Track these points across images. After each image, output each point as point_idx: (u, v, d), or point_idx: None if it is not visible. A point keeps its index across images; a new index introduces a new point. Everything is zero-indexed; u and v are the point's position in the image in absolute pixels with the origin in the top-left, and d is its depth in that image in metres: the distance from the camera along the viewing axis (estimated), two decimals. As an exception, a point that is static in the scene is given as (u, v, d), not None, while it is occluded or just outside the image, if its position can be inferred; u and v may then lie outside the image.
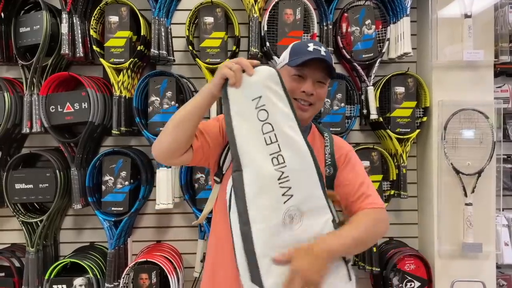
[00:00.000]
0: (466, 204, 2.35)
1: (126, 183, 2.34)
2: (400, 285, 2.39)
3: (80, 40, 2.35)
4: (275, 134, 1.23)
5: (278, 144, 1.23)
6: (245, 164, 1.22)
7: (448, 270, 2.39)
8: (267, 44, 2.36)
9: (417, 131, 2.48)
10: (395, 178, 2.49)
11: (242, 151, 1.23)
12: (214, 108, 2.40)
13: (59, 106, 2.33)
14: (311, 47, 1.35)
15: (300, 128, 1.27)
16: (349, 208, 1.39)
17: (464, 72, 2.43)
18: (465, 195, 2.36)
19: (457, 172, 2.36)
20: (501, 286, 2.60)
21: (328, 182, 1.39)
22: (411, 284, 2.39)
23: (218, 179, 1.42)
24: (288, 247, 1.20)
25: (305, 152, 1.26)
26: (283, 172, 1.22)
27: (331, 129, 2.39)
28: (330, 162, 1.41)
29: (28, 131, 2.35)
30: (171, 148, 1.26)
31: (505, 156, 2.62)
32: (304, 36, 2.44)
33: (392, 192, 2.51)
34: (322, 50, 1.35)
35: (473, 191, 2.36)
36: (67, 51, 2.31)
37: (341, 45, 2.49)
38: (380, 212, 1.36)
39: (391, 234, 2.66)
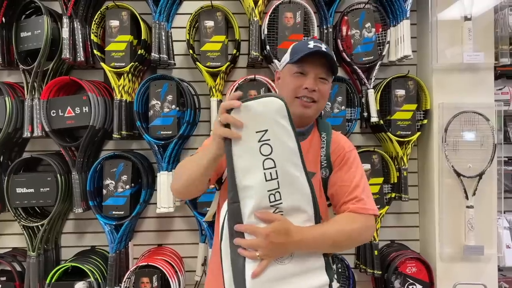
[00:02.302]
0: (467, 207, 2.35)
1: (127, 186, 2.34)
2: (402, 288, 2.39)
3: (81, 44, 2.36)
4: (276, 171, 1.17)
5: (278, 182, 1.17)
6: (242, 198, 1.18)
7: (449, 273, 2.39)
8: (268, 47, 2.36)
9: (418, 133, 2.48)
10: (396, 180, 2.48)
11: (240, 186, 1.17)
12: (214, 111, 2.41)
13: (60, 110, 2.33)
14: (311, 44, 1.34)
15: (303, 163, 1.22)
16: (338, 210, 1.37)
17: (464, 75, 2.43)
18: (466, 197, 2.36)
19: (458, 174, 2.36)
20: (503, 288, 2.60)
21: (324, 185, 1.39)
22: (412, 287, 2.39)
23: (217, 186, 1.43)
24: (278, 282, 1.16)
25: (306, 190, 1.22)
26: (277, 208, 1.18)
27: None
28: (325, 165, 1.40)
29: (29, 135, 2.35)
30: (192, 197, 1.48)
31: (506, 159, 2.62)
32: (303, 39, 2.44)
33: (393, 194, 2.51)
34: (323, 47, 1.35)
35: (474, 194, 2.36)
36: (68, 56, 2.32)
37: (341, 48, 2.49)
38: (367, 219, 1.31)
39: (392, 236, 2.66)
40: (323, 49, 1.34)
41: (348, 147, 1.45)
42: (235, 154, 1.16)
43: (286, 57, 1.42)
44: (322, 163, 1.40)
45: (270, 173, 1.16)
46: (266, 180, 1.16)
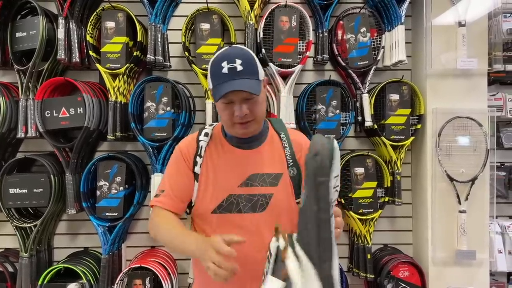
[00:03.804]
0: (460, 212, 2.36)
1: (121, 188, 2.34)
2: (394, 292, 2.39)
3: (76, 45, 2.36)
4: None
5: None
6: None
7: (442, 277, 2.40)
8: (263, 50, 2.37)
9: (412, 138, 2.49)
10: (389, 185, 2.50)
11: None
12: (209, 114, 2.41)
13: (54, 111, 2.32)
14: (225, 67, 1.28)
15: None
16: None
17: (458, 80, 2.45)
18: (459, 202, 2.37)
19: (451, 179, 2.38)
20: (494, 293, 2.61)
21: (295, 183, 1.41)
22: (405, 291, 2.40)
23: (188, 210, 1.48)
24: None
25: None
26: None
27: (326, 135, 2.39)
28: (292, 163, 1.44)
29: (23, 135, 2.35)
30: None
31: (499, 164, 2.63)
32: (299, 43, 2.45)
33: (387, 199, 2.52)
34: (238, 64, 1.28)
35: (466, 199, 2.37)
36: (63, 56, 2.31)
37: (336, 53, 2.51)
38: None
39: (385, 240, 2.67)
40: (239, 68, 1.28)
41: (306, 142, 1.49)
42: None
43: (209, 84, 1.38)
44: (289, 162, 1.44)
45: None
46: None
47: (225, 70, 1.28)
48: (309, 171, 1.02)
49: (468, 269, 2.40)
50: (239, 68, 1.28)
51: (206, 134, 1.48)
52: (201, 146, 1.45)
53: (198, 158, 1.43)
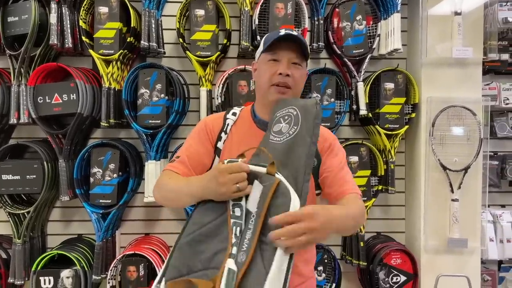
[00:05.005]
0: (453, 200, 2.38)
1: (115, 175, 2.33)
2: (386, 279, 2.42)
3: (69, 30, 2.33)
4: None
5: None
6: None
7: (433, 265, 2.43)
8: (258, 37, 2.35)
9: (406, 127, 2.50)
10: (383, 173, 2.51)
11: None
12: (204, 101, 2.40)
13: (47, 97, 2.30)
14: (282, 32, 1.35)
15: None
16: (327, 192, 1.39)
17: (453, 69, 2.45)
18: (452, 191, 2.39)
19: (444, 168, 2.39)
20: (485, 281, 2.64)
21: (315, 174, 1.40)
22: (397, 278, 2.42)
23: None
24: None
25: None
26: None
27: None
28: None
29: (15, 121, 2.33)
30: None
31: (492, 153, 2.65)
32: (296, 30, 2.43)
33: (380, 187, 2.53)
34: (294, 33, 1.36)
35: (459, 187, 2.39)
36: (55, 42, 2.28)
37: (332, 40, 2.49)
38: (361, 199, 1.36)
39: (378, 229, 2.69)
40: (294, 34, 1.35)
41: (332, 137, 1.49)
42: None
43: (260, 47, 1.43)
44: None
45: None
46: None
47: (282, 33, 1.35)
48: (310, 113, 1.27)
49: (459, 257, 2.43)
50: (295, 33, 1.36)
51: (234, 114, 1.49)
52: (228, 124, 1.46)
53: (223, 134, 1.44)
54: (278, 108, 1.34)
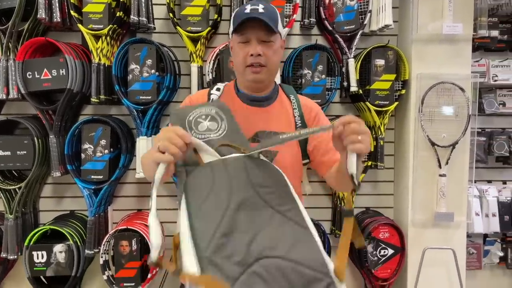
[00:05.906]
0: (440, 175, 2.42)
1: (106, 151, 2.33)
2: (374, 252, 2.47)
3: (57, 4, 2.28)
4: None
5: None
6: None
7: (420, 238, 2.49)
8: (249, 13, 2.33)
9: (396, 103, 2.52)
10: (372, 149, 2.54)
11: None
12: (195, 77, 2.40)
13: (36, 73, 2.28)
14: (248, 9, 1.35)
15: None
16: (320, 160, 1.44)
17: (443, 46, 2.46)
18: (439, 166, 2.43)
19: (433, 144, 2.43)
20: (471, 254, 2.72)
21: (302, 144, 1.44)
22: (384, 251, 2.48)
23: None
24: None
25: None
26: None
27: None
28: (300, 124, 1.47)
29: (4, 97, 2.30)
30: None
31: (479, 130, 2.69)
32: (286, 6, 2.42)
33: (370, 163, 2.57)
34: (260, 8, 1.34)
35: (447, 163, 2.43)
36: (43, 16, 2.25)
37: (323, 16, 2.48)
38: None
39: (367, 204, 2.74)
40: (260, 10, 1.34)
41: (316, 107, 1.55)
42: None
43: (231, 27, 1.44)
44: (297, 123, 1.48)
45: None
46: None
47: (247, 11, 1.34)
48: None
49: (446, 231, 2.49)
50: (261, 10, 1.34)
51: (218, 89, 1.52)
52: (212, 99, 1.48)
53: None
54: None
